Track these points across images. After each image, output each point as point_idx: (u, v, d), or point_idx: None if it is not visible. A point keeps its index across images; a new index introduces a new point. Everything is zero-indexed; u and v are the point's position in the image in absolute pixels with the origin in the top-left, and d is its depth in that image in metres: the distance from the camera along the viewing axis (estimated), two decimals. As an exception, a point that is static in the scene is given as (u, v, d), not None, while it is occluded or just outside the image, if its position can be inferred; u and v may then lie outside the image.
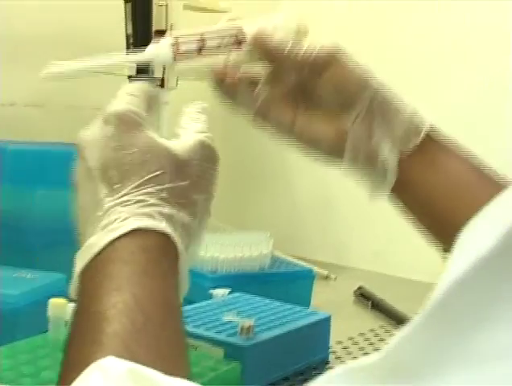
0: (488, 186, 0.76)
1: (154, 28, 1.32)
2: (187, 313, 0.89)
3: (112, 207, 0.57)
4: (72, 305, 0.81)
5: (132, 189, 0.58)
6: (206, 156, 0.63)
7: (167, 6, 1.35)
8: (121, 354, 0.46)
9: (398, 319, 1.16)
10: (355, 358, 0.98)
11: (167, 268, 0.55)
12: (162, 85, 1.33)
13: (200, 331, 0.84)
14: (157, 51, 0.72)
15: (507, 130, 1.35)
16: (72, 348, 0.50)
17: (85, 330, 0.50)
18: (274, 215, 1.79)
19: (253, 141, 1.66)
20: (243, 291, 1.02)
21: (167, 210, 0.58)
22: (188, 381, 0.45)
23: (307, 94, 0.78)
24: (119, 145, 0.59)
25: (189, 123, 0.66)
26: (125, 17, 1.33)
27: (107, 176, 0.59)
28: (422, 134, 0.75)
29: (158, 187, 0.58)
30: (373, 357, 0.36)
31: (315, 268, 1.35)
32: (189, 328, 0.85)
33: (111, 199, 0.58)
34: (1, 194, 1.11)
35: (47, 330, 0.84)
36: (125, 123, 0.60)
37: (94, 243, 0.55)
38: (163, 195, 0.58)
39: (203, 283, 1.06)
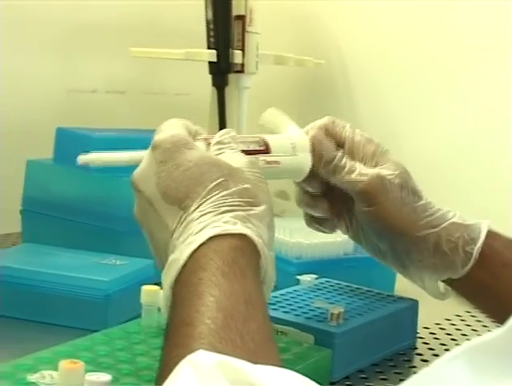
0: None
1: (233, 13, 1.32)
2: (275, 299, 0.90)
3: (187, 222, 0.60)
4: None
5: (201, 200, 0.60)
6: (252, 164, 0.66)
7: (246, -10, 1.34)
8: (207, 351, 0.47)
9: (483, 304, 1.15)
10: (443, 344, 0.98)
11: (246, 265, 0.57)
12: (242, 70, 1.33)
13: (290, 317, 0.85)
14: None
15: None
16: (164, 355, 0.52)
17: (174, 337, 0.52)
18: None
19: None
20: (328, 276, 1.02)
21: (239, 212, 0.60)
22: (278, 368, 0.46)
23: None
24: (174, 165, 0.62)
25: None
26: (205, 2, 1.33)
27: (171, 196, 0.62)
28: (471, 263, 0.78)
29: (225, 192, 0.60)
30: (495, 332, 0.36)
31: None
32: (278, 314, 0.85)
33: (184, 215, 0.60)
34: (89, 182, 1.13)
35: (137, 316, 0.85)
36: (174, 144, 0.64)
37: (177, 258, 0.58)
38: (232, 198, 0.60)
39: (288, 269, 1.07)
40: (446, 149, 1.50)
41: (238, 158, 0.66)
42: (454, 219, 0.80)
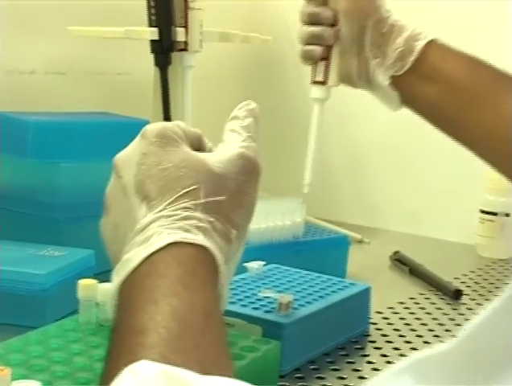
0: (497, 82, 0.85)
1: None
2: (221, 288, 0.86)
3: (149, 223, 0.57)
4: (101, 285, 0.79)
5: (168, 205, 0.58)
6: (244, 169, 0.62)
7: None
8: (157, 361, 0.44)
9: (438, 286, 1.13)
10: (396, 330, 0.95)
11: (205, 278, 0.55)
12: (185, 48, 1.28)
13: (236, 308, 0.81)
14: None
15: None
16: (110, 361, 0.49)
17: (123, 343, 0.49)
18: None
19: (282, 102, 1.62)
20: (277, 262, 0.99)
21: (203, 223, 0.57)
22: (226, 379, 0.44)
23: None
24: (155, 161, 0.60)
25: (230, 136, 0.64)
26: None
27: (144, 192, 0.59)
28: (414, 56, 0.86)
29: (193, 202, 0.58)
30: (446, 344, 0.34)
31: (348, 232, 1.31)
32: (224, 305, 0.81)
33: (148, 215, 0.58)
34: (25, 168, 1.08)
35: (77, 310, 0.81)
36: (162, 139, 0.61)
37: (131, 258, 0.55)
38: (200, 208, 0.58)
39: (235, 255, 1.03)
40: (398, 128, 1.48)
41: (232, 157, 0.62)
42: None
